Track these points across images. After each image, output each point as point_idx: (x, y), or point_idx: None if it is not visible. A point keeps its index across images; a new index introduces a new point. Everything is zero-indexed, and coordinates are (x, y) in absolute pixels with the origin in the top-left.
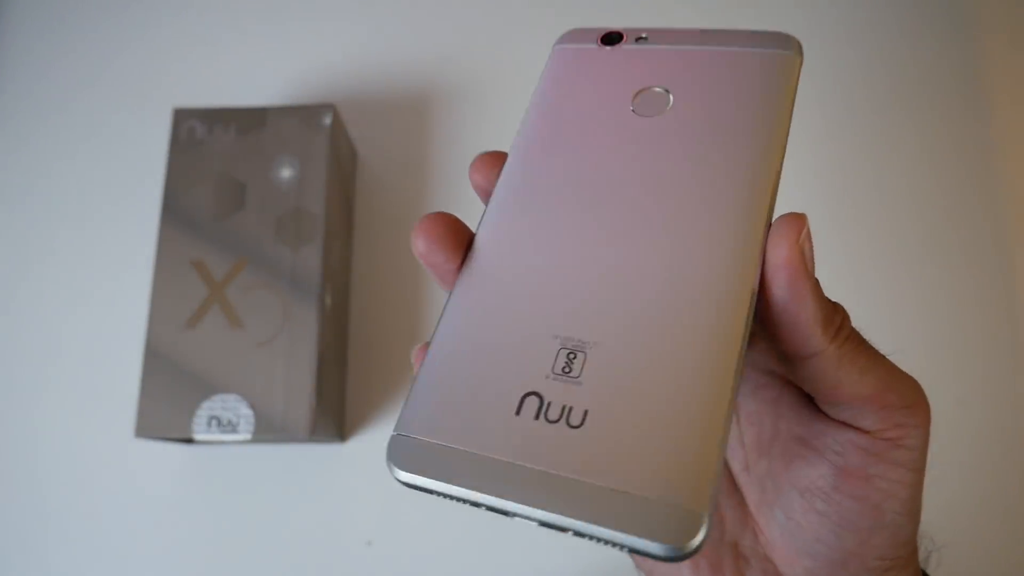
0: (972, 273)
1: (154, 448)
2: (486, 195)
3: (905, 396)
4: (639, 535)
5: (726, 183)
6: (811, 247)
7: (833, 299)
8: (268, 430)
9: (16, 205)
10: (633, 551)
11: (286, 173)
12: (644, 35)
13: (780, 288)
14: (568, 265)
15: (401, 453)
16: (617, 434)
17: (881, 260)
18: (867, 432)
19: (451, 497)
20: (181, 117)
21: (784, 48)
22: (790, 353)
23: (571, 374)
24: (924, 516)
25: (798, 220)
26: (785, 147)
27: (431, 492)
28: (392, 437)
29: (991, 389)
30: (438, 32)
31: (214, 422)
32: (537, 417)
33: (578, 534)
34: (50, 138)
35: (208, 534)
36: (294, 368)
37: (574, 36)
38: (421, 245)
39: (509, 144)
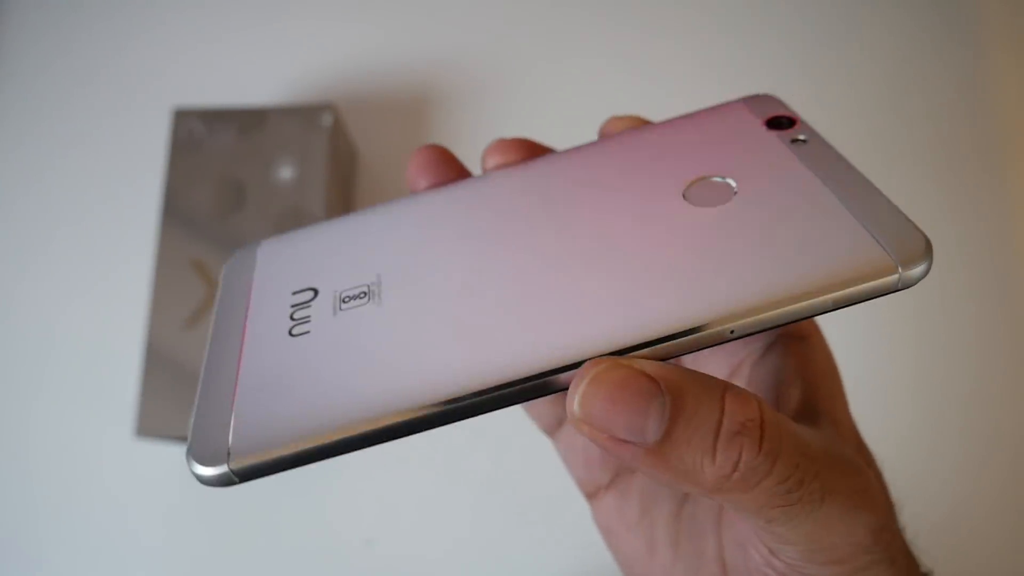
0: (972, 272)
1: (154, 448)
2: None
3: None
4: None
5: None
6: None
7: None
8: None
9: (16, 204)
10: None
11: (286, 173)
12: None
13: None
14: None
15: None
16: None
17: None
18: None
19: None
20: (181, 117)
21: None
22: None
23: None
24: (911, 512)
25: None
26: None
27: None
28: None
29: (989, 389)
30: (438, 32)
31: None
32: None
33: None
34: (48, 138)
35: (208, 534)
36: None
37: None
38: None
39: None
